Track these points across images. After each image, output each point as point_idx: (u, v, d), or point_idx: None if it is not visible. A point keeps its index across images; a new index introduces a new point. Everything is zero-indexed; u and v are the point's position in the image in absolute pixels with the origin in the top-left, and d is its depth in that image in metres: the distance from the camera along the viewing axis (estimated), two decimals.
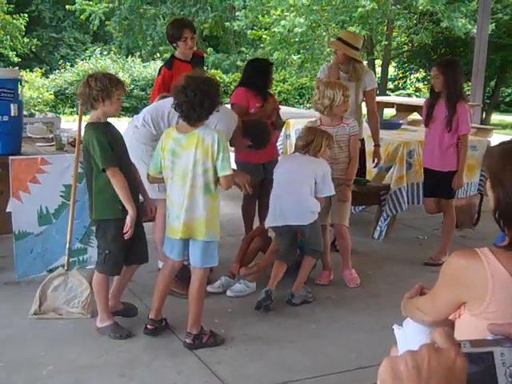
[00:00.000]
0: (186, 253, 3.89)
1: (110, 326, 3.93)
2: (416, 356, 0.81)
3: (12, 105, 4.70)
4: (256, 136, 4.70)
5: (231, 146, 4.69)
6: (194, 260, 3.80)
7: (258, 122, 4.89)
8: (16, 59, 21.23)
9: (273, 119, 5.13)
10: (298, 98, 21.01)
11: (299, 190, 4.44)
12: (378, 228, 6.14)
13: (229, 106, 5.20)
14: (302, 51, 19.84)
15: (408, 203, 6.07)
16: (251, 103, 5.13)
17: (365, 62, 22.06)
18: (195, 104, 3.53)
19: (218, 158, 3.60)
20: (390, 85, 24.90)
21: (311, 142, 4.49)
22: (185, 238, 3.73)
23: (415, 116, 11.05)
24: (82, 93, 3.71)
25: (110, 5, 21.86)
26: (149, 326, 3.91)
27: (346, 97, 4.71)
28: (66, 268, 4.33)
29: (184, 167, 3.64)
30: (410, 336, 1.81)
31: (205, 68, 5.86)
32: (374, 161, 5.66)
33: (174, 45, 5.17)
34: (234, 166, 4.49)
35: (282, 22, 18.64)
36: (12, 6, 21.79)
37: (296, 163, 4.55)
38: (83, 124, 4.07)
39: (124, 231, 3.69)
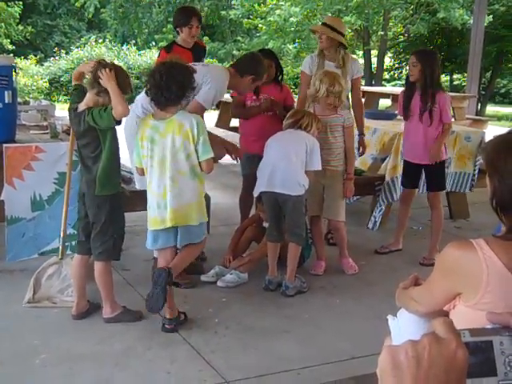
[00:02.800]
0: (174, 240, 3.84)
1: (121, 313, 3.95)
2: (416, 346, 0.80)
3: (6, 92, 4.67)
4: (252, 68, 4.59)
5: (240, 93, 4.84)
6: (183, 241, 3.80)
7: (245, 56, 4.89)
8: (10, 47, 21.11)
9: (277, 112, 5.08)
10: (293, 87, 20.98)
11: (291, 161, 4.41)
12: (372, 218, 6.14)
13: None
14: (297, 40, 19.81)
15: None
16: (248, 96, 5.12)
17: (360, 52, 22.10)
18: (162, 88, 3.53)
19: (198, 143, 3.60)
20: (386, 75, 24.89)
21: (300, 118, 4.52)
22: (175, 225, 3.70)
23: None
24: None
25: None
26: (167, 326, 3.85)
27: (330, 92, 4.67)
28: (60, 256, 4.33)
29: (163, 154, 3.62)
30: (404, 326, 1.81)
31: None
32: (359, 149, 5.56)
33: (178, 29, 5.27)
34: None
35: (278, 12, 18.59)
36: None
37: (288, 136, 4.53)
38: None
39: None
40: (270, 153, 4.52)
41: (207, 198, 4.20)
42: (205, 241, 3.99)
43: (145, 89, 3.74)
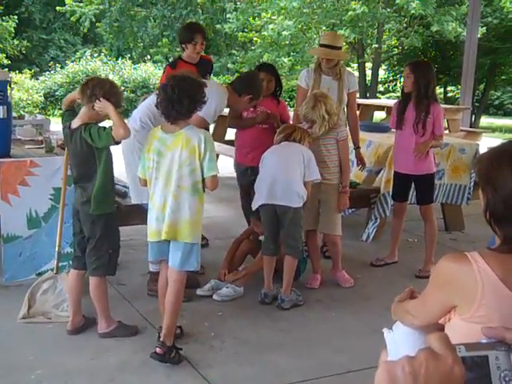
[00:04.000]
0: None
1: (116, 327, 3.94)
2: (413, 362, 0.79)
3: (1, 107, 4.67)
4: (250, 88, 4.65)
5: (238, 110, 4.88)
6: (174, 262, 3.68)
7: (243, 75, 4.96)
8: (6, 61, 21.12)
9: (274, 124, 5.09)
10: (288, 100, 21.05)
11: (290, 173, 4.42)
12: (366, 230, 6.15)
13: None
14: (292, 54, 19.88)
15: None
16: None
17: (355, 65, 22.18)
18: (174, 101, 3.52)
19: (204, 159, 3.57)
20: (380, 87, 24.99)
21: (292, 132, 4.54)
22: (168, 239, 3.66)
23: None
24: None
25: (101, 6, 21.82)
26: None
27: (322, 118, 4.69)
28: (55, 271, 4.31)
29: (168, 167, 3.61)
30: (400, 340, 1.80)
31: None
32: (357, 163, 5.58)
33: (184, 46, 5.36)
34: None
35: (271, 26, 18.69)
36: (1, 7, 21.71)
37: (284, 149, 4.52)
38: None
39: None
40: (268, 165, 4.51)
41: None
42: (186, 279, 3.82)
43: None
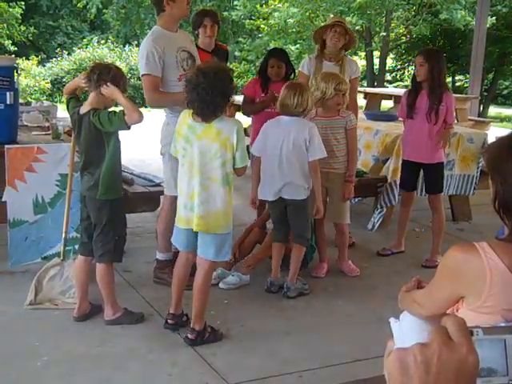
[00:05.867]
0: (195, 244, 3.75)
1: (123, 314, 3.94)
2: (425, 350, 0.78)
3: (8, 93, 4.66)
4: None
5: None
6: (206, 253, 3.67)
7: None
8: (12, 48, 21.11)
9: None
10: None
11: (294, 167, 4.35)
12: (372, 219, 6.14)
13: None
14: (299, 41, 19.80)
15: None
16: (257, 92, 5.26)
17: (363, 53, 22.09)
18: (208, 102, 3.46)
19: (237, 150, 3.54)
20: (388, 76, 24.86)
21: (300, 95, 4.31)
22: (200, 230, 3.63)
23: None
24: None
25: None
26: (169, 321, 3.84)
27: (339, 90, 4.63)
28: (61, 258, 4.32)
29: (196, 157, 3.56)
30: (406, 329, 1.79)
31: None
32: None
33: (196, 32, 5.45)
34: None
35: (276, 14, 18.61)
36: None
37: (289, 126, 4.36)
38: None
39: None
40: (272, 153, 4.40)
41: None
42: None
43: (185, 102, 3.65)
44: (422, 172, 5.30)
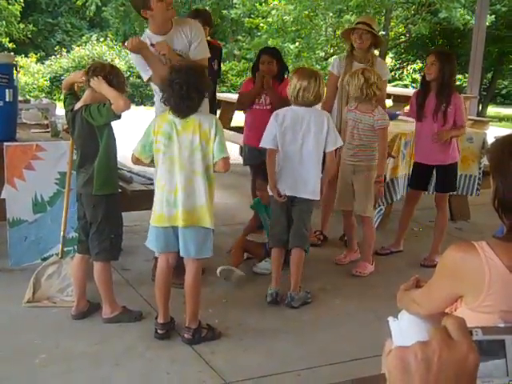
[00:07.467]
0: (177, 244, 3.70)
1: (121, 313, 3.95)
2: (426, 349, 0.78)
3: (7, 90, 4.66)
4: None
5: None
6: (188, 251, 3.67)
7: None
8: (11, 45, 21.06)
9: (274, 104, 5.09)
10: None
11: (314, 166, 4.34)
12: None
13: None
14: (297, 39, 19.78)
15: (401, 194, 6.04)
16: (249, 88, 5.37)
17: None
18: (183, 98, 3.52)
19: (215, 141, 3.57)
20: None
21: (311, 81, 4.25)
22: (186, 226, 3.62)
23: None
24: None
25: None
26: (159, 331, 3.76)
27: (373, 83, 4.68)
28: (60, 256, 4.31)
29: (178, 152, 3.59)
30: (405, 328, 1.79)
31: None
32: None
33: None
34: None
35: (273, 12, 18.60)
36: None
37: (304, 125, 4.30)
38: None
39: None
40: (292, 150, 4.31)
41: None
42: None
43: (161, 100, 3.68)
44: (434, 172, 5.28)
